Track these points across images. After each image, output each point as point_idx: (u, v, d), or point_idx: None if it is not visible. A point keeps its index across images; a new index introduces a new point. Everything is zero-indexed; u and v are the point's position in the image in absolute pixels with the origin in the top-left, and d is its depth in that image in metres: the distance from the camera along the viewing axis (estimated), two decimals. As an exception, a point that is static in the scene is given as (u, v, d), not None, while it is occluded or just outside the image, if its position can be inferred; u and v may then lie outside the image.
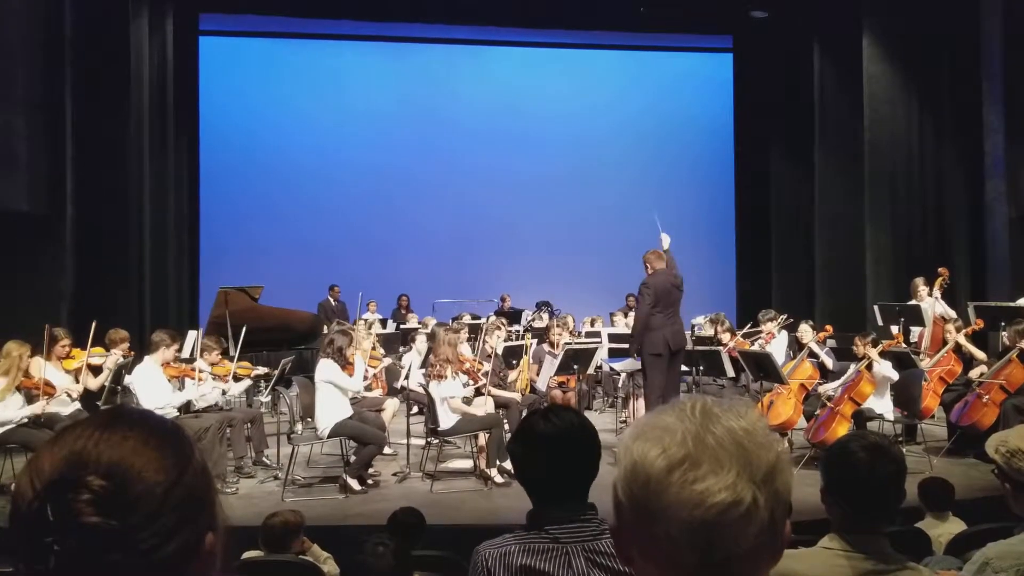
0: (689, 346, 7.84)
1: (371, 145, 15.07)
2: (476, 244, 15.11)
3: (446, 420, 6.70)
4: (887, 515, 2.04)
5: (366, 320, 11.36)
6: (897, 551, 1.98)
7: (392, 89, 15.29)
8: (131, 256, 10.56)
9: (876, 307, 9.24)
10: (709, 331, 9.69)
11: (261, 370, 7.89)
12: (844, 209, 12.31)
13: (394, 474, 7.04)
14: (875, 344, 7.10)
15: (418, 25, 14.67)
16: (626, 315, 11.80)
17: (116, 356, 7.46)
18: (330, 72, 15.26)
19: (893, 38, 11.45)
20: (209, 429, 6.44)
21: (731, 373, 8.34)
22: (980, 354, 7.78)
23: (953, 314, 8.54)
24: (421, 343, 8.54)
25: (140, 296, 10.82)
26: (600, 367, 9.43)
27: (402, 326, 11.93)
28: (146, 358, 6.85)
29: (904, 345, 8.31)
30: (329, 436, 6.61)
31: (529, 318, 13.11)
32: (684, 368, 7.90)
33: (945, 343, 7.96)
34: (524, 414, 7.45)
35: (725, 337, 9.13)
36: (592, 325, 11.45)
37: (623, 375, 8.74)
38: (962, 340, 7.75)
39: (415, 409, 8.21)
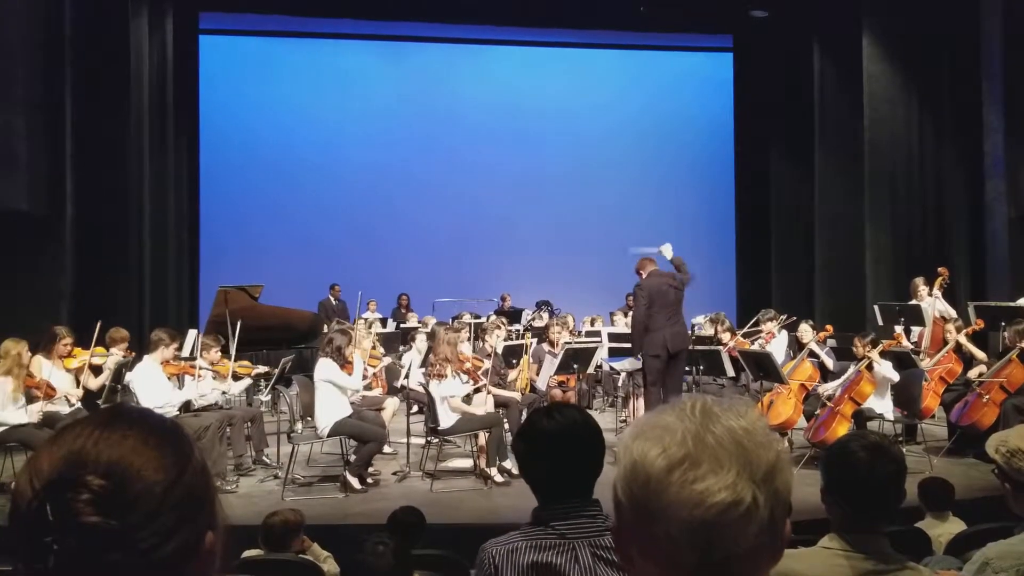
0: (689, 346, 7.84)
1: (371, 144, 15.07)
2: (476, 243, 15.11)
3: (446, 419, 6.70)
4: (887, 515, 2.04)
5: (366, 319, 11.37)
6: (897, 551, 1.98)
7: (392, 88, 15.29)
8: (131, 255, 10.55)
9: (876, 307, 9.24)
10: (709, 331, 9.69)
11: (261, 369, 7.90)
12: (844, 209, 12.31)
13: (394, 473, 7.04)
14: (874, 344, 7.09)
15: (418, 24, 14.67)
16: (626, 314, 11.79)
17: (116, 355, 7.46)
18: (330, 71, 15.25)
19: (893, 38, 11.45)
20: (209, 428, 6.44)
21: (731, 373, 8.35)
22: (980, 354, 7.78)
23: (953, 313, 8.54)
24: (421, 342, 8.54)
25: (140, 295, 10.82)
26: (600, 366, 9.44)
27: (402, 325, 11.92)
28: (146, 357, 6.85)
29: (907, 344, 8.32)
30: (329, 435, 6.61)
31: (529, 317, 13.11)
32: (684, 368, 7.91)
33: (945, 343, 7.96)
34: (524, 413, 7.47)
35: (725, 337, 9.14)
36: (592, 324, 11.46)
37: (623, 374, 8.74)
38: (962, 340, 7.75)
39: (415, 408, 8.21)
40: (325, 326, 9.46)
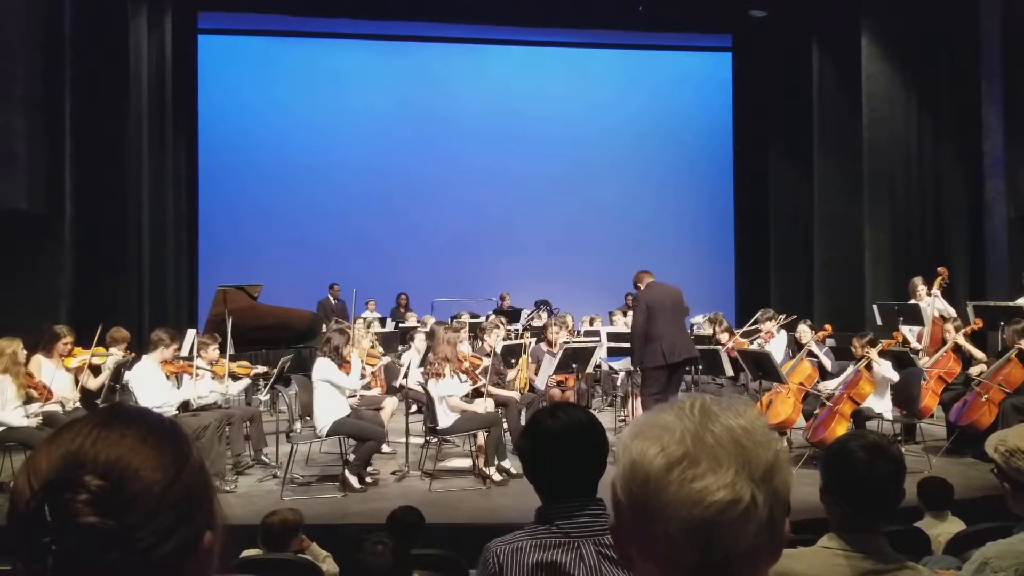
0: (690, 356, 7.77)
1: (371, 144, 15.07)
2: (475, 243, 15.12)
3: (445, 419, 6.70)
4: (886, 514, 2.04)
5: (365, 319, 11.37)
6: (896, 550, 1.98)
7: (391, 88, 15.29)
8: (130, 255, 10.55)
9: (875, 307, 9.24)
10: (707, 331, 9.70)
11: (260, 369, 7.89)
12: (843, 209, 12.31)
13: (393, 473, 7.04)
14: (872, 344, 7.10)
15: (417, 24, 14.67)
16: (625, 314, 11.78)
17: (116, 355, 7.46)
18: (329, 70, 15.25)
19: (892, 37, 11.45)
20: (208, 427, 6.44)
21: (730, 372, 8.35)
22: (979, 354, 7.79)
23: (953, 313, 8.54)
24: (420, 342, 8.54)
25: (139, 295, 10.81)
26: (599, 366, 9.44)
27: (401, 325, 11.92)
28: (145, 357, 6.85)
29: (907, 342, 8.33)
30: (328, 435, 6.61)
31: (528, 317, 13.11)
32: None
33: (944, 343, 7.97)
34: (523, 413, 7.48)
35: (724, 337, 9.14)
36: (591, 324, 11.45)
37: (622, 374, 8.74)
38: (961, 340, 7.75)
39: (414, 408, 8.21)
40: (324, 326, 9.45)
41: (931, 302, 8.64)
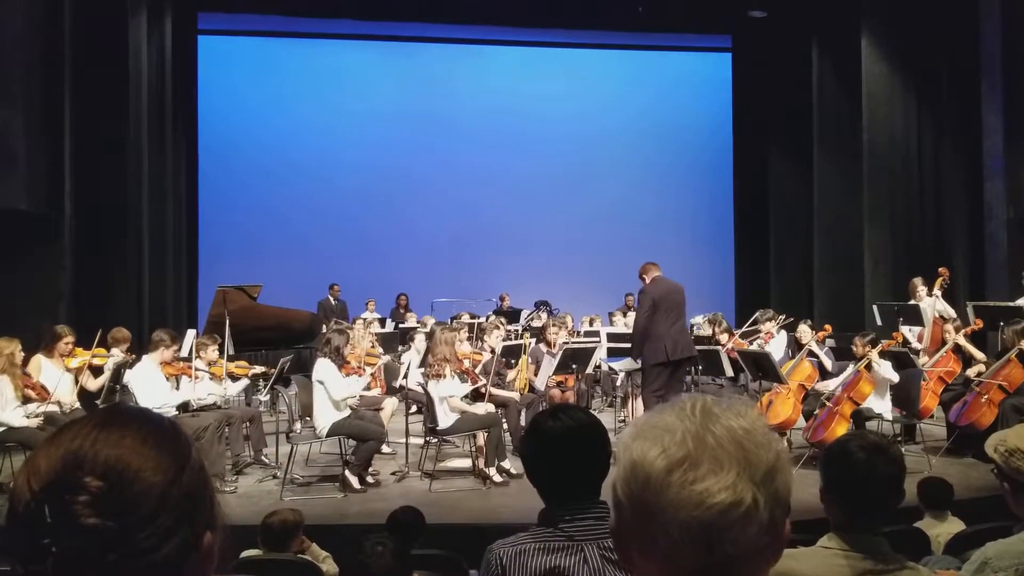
0: (692, 354, 7.74)
1: (371, 144, 15.06)
2: (475, 243, 15.11)
3: (445, 419, 6.70)
4: (886, 515, 2.04)
5: (364, 319, 11.37)
6: (896, 551, 1.98)
7: (391, 88, 15.28)
8: (130, 255, 10.54)
9: (875, 307, 9.24)
10: (707, 331, 9.69)
11: (258, 369, 7.88)
12: (843, 209, 12.31)
13: (393, 473, 7.04)
14: (874, 344, 7.10)
15: (418, 24, 14.66)
16: (625, 315, 11.80)
17: (117, 356, 7.46)
18: (329, 71, 15.25)
19: (892, 38, 11.45)
20: (207, 428, 6.44)
21: (730, 373, 8.34)
22: (979, 354, 7.78)
23: (952, 313, 8.53)
24: (420, 342, 8.54)
25: (139, 295, 10.80)
26: (599, 366, 9.43)
27: (401, 325, 11.92)
28: (144, 357, 6.86)
29: (906, 343, 8.32)
30: (328, 435, 6.61)
31: (527, 317, 13.11)
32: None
33: (944, 343, 7.96)
34: (522, 414, 7.47)
35: (723, 337, 9.14)
36: (591, 324, 11.45)
37: (622, 374, 8.73)
38: (961, 340, 7.75)
39: (414, 408, 8.21)
40: (324, 326, 9.45)
41: (931, 303, 8.64)
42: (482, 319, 10.59)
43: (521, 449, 2.19)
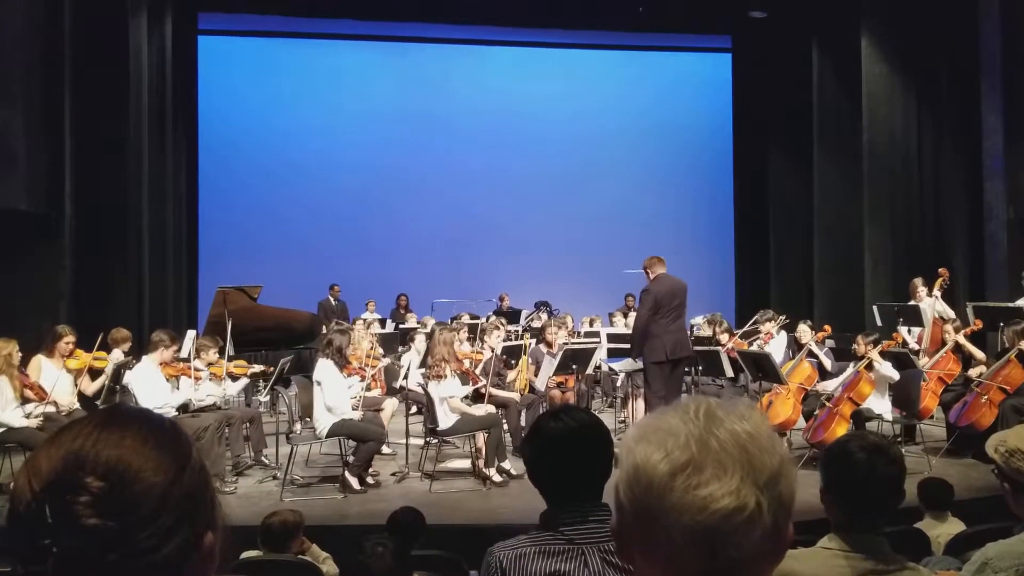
0: (690, 354, 7.73)
1: (370, 144, 15.07)
2: (475, 244, 15.11)
3: (445, 420, 6.70)
4: (886, 515, 2.04)
5: (364, 320, 11.37)
6: (896, 551, 1.98)
7: (391, 89, 15.28)
8: (130, 255, 10.54)
9: (875, 307, 9.24)
10: (707, 331, 9.69)
11: (257, 368, 7.87)
12: (843, 209, 12.32)
13: (393, 474, 7.04)
14: (876, 345, 7.10)
15: (417, 25, 14.66)
16: (625, 315, 11.80)
17: (117, 356, 7.46)
18: (329, 71, 15.26)
19: (892, 38, 11.45)
20: (208, 428, 6.44)
21: (730, 373, 8.34)
22: (980, 354, 7.78)
23: (952, 314, 8.53)
24: (420, 343, 8.53)
25: (139, 295, 10.81)
26: (599, 367, 9.43)
27: (401, 326, 11.92)
28: (144, 358, 6.85)
29: (912, 344, 8.32)
30: (328, 436, 6.61)
31: (527, 318, 13.11)
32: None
33: (944, 343, 7.96)
34: (523, 414, 7.47)
35: (723, 338, 9.13)
36: (591, 325, 11.45)
37: (622, 375, 8.73)
38: (961, 340, 7.74)
39: (414, 409, 8.21)
40: (324, 327, 9.45)
41: (931, 303, 8.64)
42: (482, 319, 10.58)
43: (523, 450, 2.18)
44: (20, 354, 6.54)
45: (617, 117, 15.63)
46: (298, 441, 6.94)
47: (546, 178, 15.30)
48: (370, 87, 15.29)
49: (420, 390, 7.52)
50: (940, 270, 8.96)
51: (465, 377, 7.10)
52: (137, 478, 0.83)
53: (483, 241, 15.11)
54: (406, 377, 8.39)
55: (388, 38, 15.28)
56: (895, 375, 7.00)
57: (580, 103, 15.60)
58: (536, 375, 8.24)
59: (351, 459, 6.60)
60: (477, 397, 7.28)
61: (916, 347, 8.38)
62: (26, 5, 8.89)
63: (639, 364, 7.67)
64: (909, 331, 8.70)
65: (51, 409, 6.59)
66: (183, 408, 6.79)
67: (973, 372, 7.56)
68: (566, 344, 8.49)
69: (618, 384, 9.16)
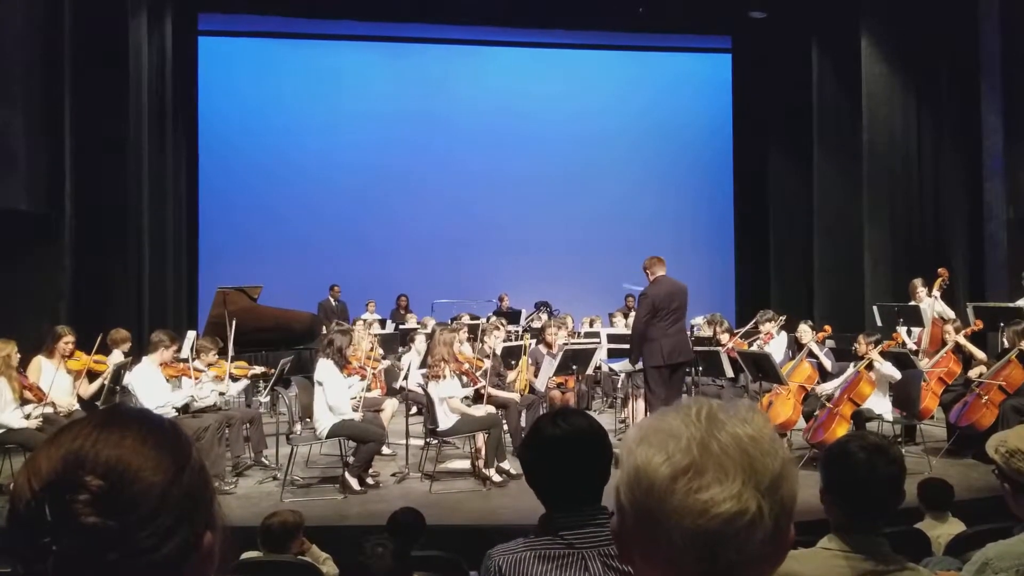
0: (690, 358, 7.66)
1: (370, 145, 15.07)
2: (475, 244, 15.11)
3: (445, 421, 6.70)
4: (886, 516, 2.03)
5: (364, 320, 11.37)
6: (896, 552, 1.98)
7: (391, 89, 15.28)
8: (130, 255, 10.54)
9: (875, 308, 9.24)
10: (707, 332, 9.69)
11: (258, 369, 7.88)
12: (843, 209, 12.31)
13: (393, 474, 7.04)
14: (877, 344, 7.10)
15: (417, 25, 14.67)
16: (625, 316, 11.80)
17: (117, 357, 7.45)
18: (329, 72, 15.25)
19: (892, 38, 11.45)
20: (208, 429, 6.44)
21: (730, 373, 8.33)
22: (980, 354, 7.78)
23: (952, 314, 8.53)
24: (420, 343, 8.53)
25: (139, 296, 10.81)
26: (599, 367, 9.43)
27: (401, 326, 11.92)
28: (144, 358, 6.85)
29: (911, 344, 8.32)
30: (328, 436, 6.61)
31: (527, 318, 13.11)
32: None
33: (944, 344, 7.96)
34: (523, 415, 7.47)
35: (724, 338, 9.13)
36: (591, 325, 11.45)
37: (622, 375, 8.73)
38: (962, 340, 7.74)
39: (414, 409, 8.21)
40: (324, 327, 9.45)
41: (931, 303, 8.64)
42: (482, 320, 10.58)
43: (520, 454, 2.17)
44: (19, 355, 6.53)
45: (617, 117, 15.63)
46: (298, 442, 6.94)
47: (546, 178, 15.30)
48: (370, 87, 15.30)
49: (420, 391, 7.51)
50: (939, 270, 8.96)
51: (464, 378, 7.10)
52: (137, 477, 0.83)
53: (483, 241, 15.11)
54: (406, 378, 8.39)
55: (388, 39, 15.28)
56: (896, 374, 7.00)
57: (580, 103, 15.60)
58: (536, 376, 8.23)
59: (351, 460, 6.60)
60: (477, 398, 7.27)
61: (914, 348, 8.37)
62: (26, 5, 8.89)
63: (639, 365, 7.65)
64: (908, 332, 8.69)
65: (50, 410, 6.59)
66: (183, 409, 6.79)
67: (973, 372, 7.56)
68: (566, 344, 8.49)
69: (618, 385, 9.16)
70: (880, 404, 7.07)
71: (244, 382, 7.70)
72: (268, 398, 8.77)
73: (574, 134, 15.47)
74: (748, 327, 9.61)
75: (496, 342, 8.19)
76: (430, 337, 7.66)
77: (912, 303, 8.84)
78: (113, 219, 10.16)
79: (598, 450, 1.99)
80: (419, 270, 14.52)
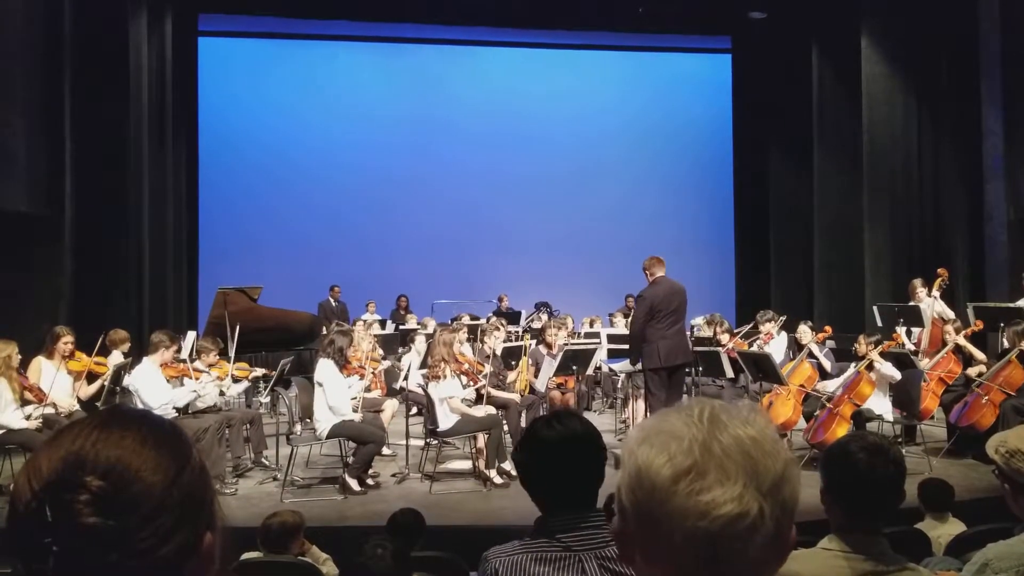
0: (688, 360, 7.61)
1: (370, 145, 15.07)
2: (475, 245, 15.11)
3: (445, 421, 6.70)
4: (886, 516, 2.03)
5: (365, 321, 11.36)
6: (896, 552, 1.98)
7: (391, 90, 15.29)
8: (130, 256, 10.55)
9: (875, 308, 9.23)
10: (707, 332, 9.69)
11: (259, 371, 7.88)
12: (843, 210, 12.31)
13: (393, 475, 7.04)
14: (877, 345, 7.10)
15: (417, 26, 14.68)
16: (625, 316, 11.78)
17: (116, 358, 7.45)
18: (329, 72, 15.26)
19: (892, 39, 11.45)
20: (208, 430, 6.44)
21: (730, 374, 8.33)
22: (980, 355, 7.77)
23: (951, 315, 8.53)
24: (420, 344, 8.53)
25: (139, 296, 10.81)
26: (599, 368, 9.43)
27: (401, 327, 11.92)
28: (145, 359, 6.85)
29: (909, 345, 8.32)
30: (328, 437, 6.61)
31: (527, 318, 13.11)
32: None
33: (944, 344, 7.96)
34: (523, 415, 7.46)
35: (724, 338, 9.13)
36: (591, 326, 11.45)
37: (622, 376, 8.72)
38: (962, 341, 7.74)
39: (414, 410, 8.21)
40: (324, 328, 9.45)
41: (930, 303, 8.63)
42: (482, 320, 10.58)
43: (515, 458, 2.16)
44: (19, 356, 6.53)
45: (617, 117, 15.63)
46: (298, 442, 6.93)
47: (546, 178, 15.30)
48: (370, 88, 15.30)
49: (420, 391, 7.51)
50: (939, 270, 8.95)
51: (464, 378, 7.09)
52: (137, 478, 0.83)
53: (483, 241, 15.11)
54: (406, 378, 8.39)
55: (388, 39, 15.29)
56: (897, 374, 7.00)
57: (580, 103, 15.61)
58: (536, 376, 8.23)
59: (351, 460, 6.60)
60: (477, 398, 7.27)
61: (914, 348, 8.37)
62: (26, 5, 8.89)
63: (639, 366, 7.64)
64: (908, 332, 8.69)
65: (51, 411, 6.58)
66: (183, 409, 6.79)
67: (973, 372, 7.56)
68: (566, 345, 8.48)
69: (618, 385, 9.16)
70: (880, 404, 7.07)
71: (244, 383, 7.70)
72: (268, 398, 8.77)
73: (574, 134, 15.47)
74: (748, 327, 9.61)
75: (496, 343, 8.18)
76: (430, 337, 7.66)
77: (912, 303, 8.84)
78: (113, 220, 10.16)
79: (592, 452, 1.99)
80: (419, 270, 14.52)
